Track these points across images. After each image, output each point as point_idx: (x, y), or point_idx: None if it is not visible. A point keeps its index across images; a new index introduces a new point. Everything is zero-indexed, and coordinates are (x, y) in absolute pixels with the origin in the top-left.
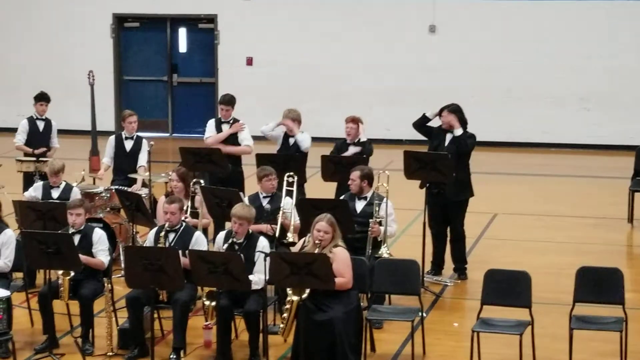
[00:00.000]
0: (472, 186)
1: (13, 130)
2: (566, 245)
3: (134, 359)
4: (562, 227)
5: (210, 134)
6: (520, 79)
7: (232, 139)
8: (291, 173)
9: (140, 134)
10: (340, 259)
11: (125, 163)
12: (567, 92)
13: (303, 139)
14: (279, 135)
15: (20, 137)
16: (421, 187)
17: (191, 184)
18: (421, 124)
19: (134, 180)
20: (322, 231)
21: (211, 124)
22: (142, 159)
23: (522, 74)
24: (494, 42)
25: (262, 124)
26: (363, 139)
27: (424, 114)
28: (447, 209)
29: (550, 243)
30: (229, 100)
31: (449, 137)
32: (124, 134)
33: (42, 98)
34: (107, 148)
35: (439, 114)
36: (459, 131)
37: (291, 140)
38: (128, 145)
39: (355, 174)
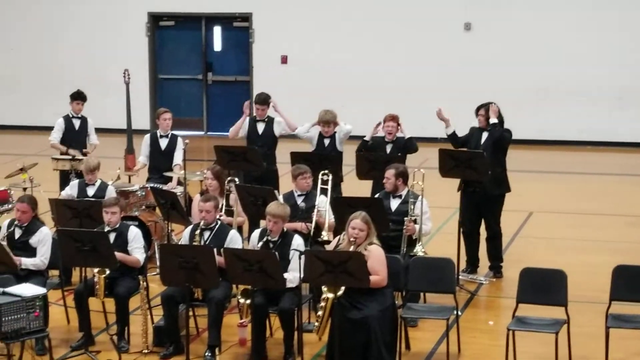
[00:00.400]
0: (508, 182)
1: (49, 129)
2: (603, 243)
3: (169, 356)
4: (598, 225)
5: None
6: (555, 76)
7: (269, 135)
8: (326, 171)
9: (175, 132)
10: (375, 256)
11: (160, 161)
12: (602, 90)
13: (346, 128)
14: (313, 136)
15: (56, 136)
16: (459, 189)
17: (226, 182)
18: (454, 141)
19: (169, 179)
20: (357, 229)
21: (245, 123)
22: (177, 157)
23: (557, 72)
24: (527, 39)
25: (297, 121)
26: (401, 135)
27: (446, 134)
28: (482, 207)
29: (586, 242)
30: (264, 100)
31: (484, 135)
32: (159, 133)
33: (79, 97)
34: (143, 147)
35: (476, 112)
36: (494, 120)
37: (326, 141)
38: (163, 143)
39: (390, 172)
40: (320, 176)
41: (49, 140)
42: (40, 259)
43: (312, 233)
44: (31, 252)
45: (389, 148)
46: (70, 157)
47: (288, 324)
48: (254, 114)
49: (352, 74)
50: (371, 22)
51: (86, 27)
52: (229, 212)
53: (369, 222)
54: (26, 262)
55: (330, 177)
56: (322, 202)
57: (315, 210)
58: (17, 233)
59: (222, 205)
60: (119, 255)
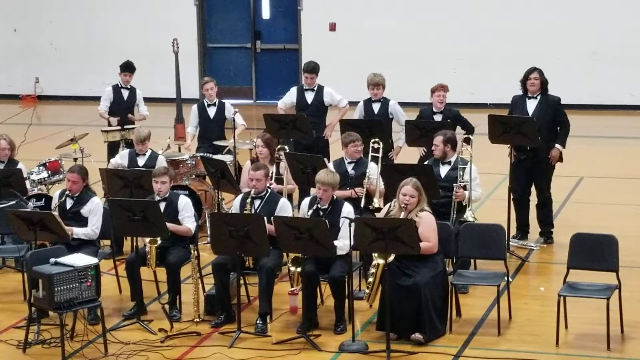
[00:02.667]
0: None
1: (99, 99)
2: None
3: (220, 325)
4: None
5: (285, 102)
6: (606, 40)
7: (318, 103)
8: (376, 139)
9: (223, 100)
10: (426, 223)
11: (210, 130)
12: None
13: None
14: (361, 111)
15: (104, 105)
16: (516, 157)
17: (276, 150)
18: None
19: (219, 148)
20: (407, 195)
21: (292, 92)
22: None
23: (607, 35)
24: (578, 3)
25: (346, 89)
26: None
27: None
28: (534, 173)
29: (637, 206)
30: (313, 68)
31: (530, 102)
32: (206, 102)
33: (127, 68)
34: (191, 117)
35: (526, 77)
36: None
37: (375, 107)
38: (211, 112)
39: (438, 139)
40: (371, 144)
41: (98, 109)
42: (92, 229)
43: (363, 200)
44: (83, 222)
45: (437, 118)
46: (119, 127)
47: (338, 291)
48: (302, 83)
49: (400, 41)
50: None
51: None
52: (279, 180)
53: (420, 189)
54: (78, 232)
55: (382, 145)
56: (373, 170)
57: (366, 178)
58: (69, 203)
59: (273, 173)
60: (170, 225)
